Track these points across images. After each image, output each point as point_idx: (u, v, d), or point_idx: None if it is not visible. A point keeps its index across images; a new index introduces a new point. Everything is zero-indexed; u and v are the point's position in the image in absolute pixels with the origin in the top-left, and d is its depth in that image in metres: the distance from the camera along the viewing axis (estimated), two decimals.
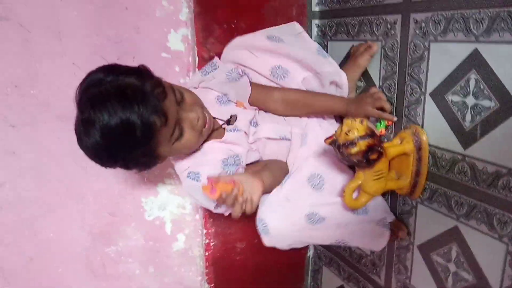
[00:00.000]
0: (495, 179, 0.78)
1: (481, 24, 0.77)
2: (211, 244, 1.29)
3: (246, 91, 1.01)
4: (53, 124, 1.08)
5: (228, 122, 1.01)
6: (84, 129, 0.79)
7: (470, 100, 0.81)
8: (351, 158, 0.82)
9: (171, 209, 1.23)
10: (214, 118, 1.00)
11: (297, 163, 1.00)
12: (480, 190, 0.81)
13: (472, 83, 0.80)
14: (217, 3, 1.13)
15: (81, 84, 0.82)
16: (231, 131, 1.00)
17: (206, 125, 0.92)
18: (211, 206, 0.97)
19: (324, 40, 1.23)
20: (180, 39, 1.11)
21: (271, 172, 0.95)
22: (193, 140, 0.91)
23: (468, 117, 0.82)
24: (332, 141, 0.84)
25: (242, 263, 1.35)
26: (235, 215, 0.85)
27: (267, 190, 0.93)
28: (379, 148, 0.82)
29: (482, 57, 0.77)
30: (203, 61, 1.13)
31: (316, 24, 1.25)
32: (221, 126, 1.00)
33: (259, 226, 0.95)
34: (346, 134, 0.80)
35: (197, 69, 1.14)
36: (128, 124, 0.76)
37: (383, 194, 1.06)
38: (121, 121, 0.75)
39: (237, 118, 1.01)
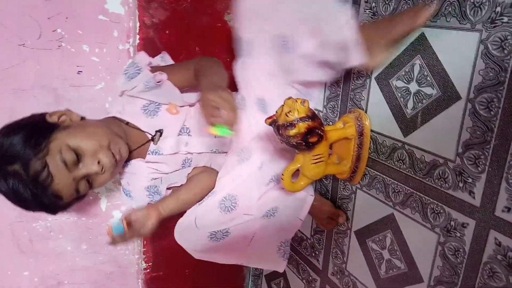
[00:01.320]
0: (431, 169, 0.77)
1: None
2: None
3: (175, 92, 0.95)
4: None
5: (152, 139, 0.95)
6: None
7: (413, 87, 0.78)
8: (290, 140, 0.78)
9: (107, 185, 1.16)
10: (141, 131, 0.95)
11: (223, 181, 0.97)
12: (417, 179, 0.80)
13: (416, 69, 0.77)
14: None
15: None
16: (152, 153, 0.95)
17: (117, 159, 0.87)
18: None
19: None
20: (119, 1, 1.02)
21: (179, 198, 0.96)
22: (108, 178, 0.89)
23: (410, 104, 0.79)
24: (272, 121, 0.80)
25: None
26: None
27: (172, 214, 0.95)
28: (319, 131, 0.79)
29: (428, 42, 0.75)
30: (145, 27, 1.05)
31: None
32: (145, 143, 0.95)
33: (175, 234, 0.98)
34: (286, 115, 0.76)
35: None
36: (29, 209, 0.86)
37: (324, 178, 1.04)
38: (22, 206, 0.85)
39: (164, 133, 0.95)
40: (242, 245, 0.97)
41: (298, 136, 0.78)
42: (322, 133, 0.81)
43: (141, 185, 0.98)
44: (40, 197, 0.81)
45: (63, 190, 0.83)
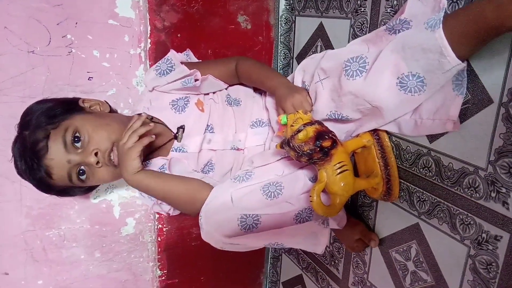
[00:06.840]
0: (460, 177, 0.72)
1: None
2: (164, 229, 1.21)
3: (219, 85, 0.98)
4: None
5: (176, 136, 0.93)
6: None
7: None
8: (303, 150, 0.74)
9: (120, 192, 1.13)
10: (166, 126, 0.94)
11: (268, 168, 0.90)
12: (444, 188, 0.75)
13: None
14: None
15: None
16: (175, 150, 0.94)
17: (115, 161, 0.86)
18: (149, 204, 1.02)
19: (292, 15, 1.14)
20: (130, 5, 0.99)
21: (165, 180, 0.86)
22: (106, 176, 0.88)
23: None
24: (282, 142, 0.79)
25: (198, 250, 1.28)
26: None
27: (143, 187, 0.85)
28: (330, 135, 0.75)
29: None
30: (156, 30, 1.02)
31: None
32: (168, 140, 0.94)
33: (199, 219, 0.86)
34: (292, 126, 0.76)
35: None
36: (28, 179, 0.86)
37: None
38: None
39: (190, 131, 0.93)
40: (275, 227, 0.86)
41: (309, 142, 0.74)
42: (334, 137, 0.77)
43: None
44: (32, 166, 0.82)
45: (54, 168, 0.82)
